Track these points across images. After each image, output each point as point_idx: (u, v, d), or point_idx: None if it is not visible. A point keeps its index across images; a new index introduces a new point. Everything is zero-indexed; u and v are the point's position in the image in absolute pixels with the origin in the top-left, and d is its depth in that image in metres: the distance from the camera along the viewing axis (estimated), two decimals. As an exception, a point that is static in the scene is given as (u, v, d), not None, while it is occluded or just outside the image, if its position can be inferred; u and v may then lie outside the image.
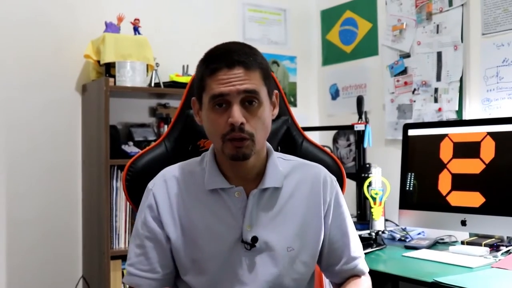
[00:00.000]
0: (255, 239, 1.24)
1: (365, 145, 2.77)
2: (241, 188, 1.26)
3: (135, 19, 2.73)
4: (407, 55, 2.91)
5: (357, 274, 1.38)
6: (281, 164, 1.32)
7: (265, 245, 1.25)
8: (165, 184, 1.30)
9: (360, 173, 2.75)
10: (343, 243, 1.36)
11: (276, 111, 1.30)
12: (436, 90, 2.76)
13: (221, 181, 1.26)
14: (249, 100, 1.19)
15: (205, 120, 1.24)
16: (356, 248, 1.38)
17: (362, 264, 1.39)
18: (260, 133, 1.21)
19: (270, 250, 1.26)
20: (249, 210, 1.25)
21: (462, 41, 2.63)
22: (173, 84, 2.77)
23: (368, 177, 2.58)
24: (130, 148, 2.65)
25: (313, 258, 1.33)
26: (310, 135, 1.66)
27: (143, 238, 1.28)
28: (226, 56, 1.19)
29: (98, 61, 2.63)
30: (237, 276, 1.25)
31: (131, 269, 1.29)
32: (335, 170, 1.51)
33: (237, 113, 1.16)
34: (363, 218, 2.72)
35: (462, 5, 2.62)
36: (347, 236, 1.36)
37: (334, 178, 1.38)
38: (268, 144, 1.32)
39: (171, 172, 1.32)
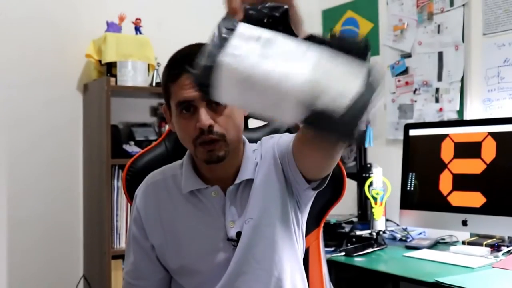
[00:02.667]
0: (239, 234, 1.23)
1: (366, 145, 2.77)
2: (217, 187, 1.25)
3: (137, 19, 2.73)
4: (408, 55, 2.91)
5: None
6: (255, 155, 1.29)
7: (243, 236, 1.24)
8: (146, 191, 1.31)
9: (361, 173, 2.74)
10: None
11: None
12: (437, 90, 2.76)
13: (196, 183, 1.25)
14: (215, 101, 1.12)
15: (176, 127, 1.23)
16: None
17: None
18: (231, 132, 1.19)
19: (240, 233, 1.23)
20: (227, 207, 1.24)
21: (463, 41, 2.63)
22: (174, 84, 2.77)
23: (369, 177, 2.58)
24: (131, 147, 2.66)
25: (282, 219, 1.26)
26: (310, 135, 1.66)
27: (131, 248, 1.31)
28: (186, 59, 1.16)
29: (100, 61, 2.63)
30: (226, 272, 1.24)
31: (126, 277, 1.33)
32: (335, 170, 1.49)
33: (204, 117, 1.15)
34: (364, 218, 2.72)
35: (463, 5, 2.62)
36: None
37: (270, 137, 1.33)
38: (244, 138, 1.30)
39: (153, 177, 1.33)
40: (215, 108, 1.17)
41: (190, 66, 1.05)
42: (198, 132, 1.16)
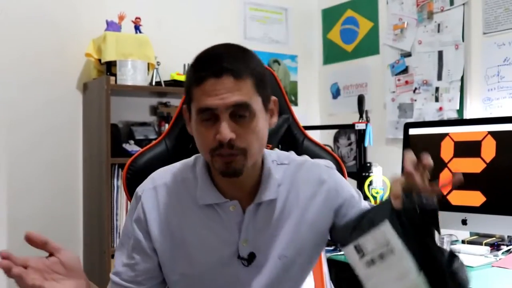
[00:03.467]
0: (252, 255, 1.18)
1: (366, 144, 2.77)
2: (236, 202, 1.17)
3: (136, 18, 2.73)
4: (408, 54, 2.91)
5: None
6: (275, 170, 1.21)
7: (261, 258, 1.19)
8: (154, 192, 1.21)
9: (361, 172, 2.75)
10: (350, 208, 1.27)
11: (275, 119, 1.19)
12: (437, 89, 2.76)
13: (215, 196, 1.17)
14: (239, 113, 1.07)
15: (194, 132, 1.14)
16: (357, 198, 1.29)
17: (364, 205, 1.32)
18: (254, 147, 1.10)
19: (265, 262, 1.20)
20: (245, 226, 1.18)
21: (463, 40, 2.63)
22: (174, 83, 2.77)
23: (369, 176, 2.58)
24: (131, 146, 2.66)
25: (311, 260, 1.28)
26: (311, 134, 1.66)
27: (130, 249, 1.23)
28: (213, 63, 1.07)
29: (99, 60, 2.63)
30: None
31: (115, 279, 1.24)
32: (336, 169, 1.49)
33: (225, 130, 1.05)
34: (363, 217, 2.72)
35: (463, 4, 2.62)
36: (354, 204, 1.28)
37: (329, 170, 1.27)
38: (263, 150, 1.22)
39: (162, 178, 1.23)
40: (239, 120, 1.08)
41: (216, 69, 1.06)
42: (217, 144, 1.07)
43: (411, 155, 0.98)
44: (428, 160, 0.97)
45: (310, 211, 1.23)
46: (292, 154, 1.30)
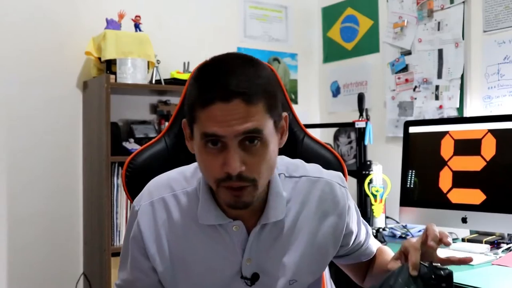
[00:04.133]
0: (256, 275, 1.13)
1: (366, 142, 2.77)
2: (240, 222, 1.10)
3: (136, 16, 2.73)
4: (408, 53, 2.91)
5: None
6: (283, 185, 1.13)
7: (266, 280, 1.14)
8: (151, 209, 1.13)
9: (361, 170, 2.74)
10: (354, 247, 1.30)
11: (286, 137, 1.09)
12: (437, 87, 2.76)
13: (218, 216, 1.09)
14: (250, 139, 0.98)
15: (197, 155, 1.04)
16: (365, 237, 1.31)
17: (373, 244, 1.35)
18: (264, 176, 1.02)
19: (272, 284, 1.15)
20: (249, 245, 1.11)
21: (463, 39, 2.63)
22: (174, 81, 2.77)
23: (369, 174, 2.58)
24: (131, 145, 2.66)
25: (320, 271, 1.24)
26: (311, 132, 1.66)
27: (129, 266, 1.16)
28: (222, 84, 0.96)
29: (99, 58, 2.63)
30: None
31: None
32: (336, 167, 1.47)
33: (234, 162, 0.96)
34: (363, 215, 2.71)
35: (463, 2, 2.62)
36: (360, 241, 1.31)
37: (344, 191, 1.21)
38: None
39: (160, 192, 1.14)
40: (248, 146, 0.98)
41: (225, 93, 0.95)
42: (224, 175, 0.98)
43: (433, 230, 1.06)
44: (448, 241, 1.06)
45: (321, 232, 1.18)
46: (301, 163, 1.21)
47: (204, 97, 0.97)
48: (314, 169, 1.21)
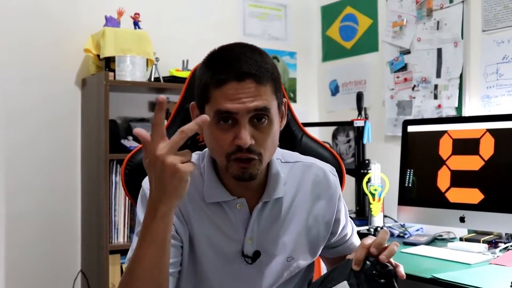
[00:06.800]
0: (257, 253, 1.20)
1: (365, 141, 2.77)
2: (243, 200, 1.19)
3: (135, 14, 2.72)
4: (407, 52, 2.91)
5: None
6: (280, 168, 1.23)
7: (266, 258, 1.21)
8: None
9: (359, 169, 2.75)
10: (341, 239, 1.37)
11: (284, 121, 1.21)
12: (436, 86, 2.76)
13: (222, 194, 1.18)
14: (258, 117, 1.09)
15: (207, 134, 1.13)
16: (352, 232, 1.40)
17: (356, 242, 1.41)
18: (268, 152, 1.13)
19: (270, 262, 1.22)
20: (251, 224, 1.19)
21: (462, 38, 2.63)
22: (172, 79, 2.76)
23: (367, 173, 2.58)
24: (129, 142, 2.66)
25: (314, 253, 1.30)
26: (309, 131, 1.66)
27: None
28: (235, 66, 1.07)
29: (98, 55, 2.63)
30: None
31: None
32: (335, 166, 1.48)
33: (245, 135, 1.06)
34: (362, 214, 2.72)
35: (463, 1, 2.62)
36: (346, 233, 1.38)
37: (336, 179, 1.32)
38: None
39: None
40: (257, 124, 1.09)
41: (238, 73, 1.06)
42: (235, 148, 1.08)
43: (382, 238, 1.12)
44: (400, 271, 1.14)
45: (314, 213, 1.26)
46: (295, 153, 1.32)
47: (218, 77, 1.07)
48: (307, 157, 1.32)
